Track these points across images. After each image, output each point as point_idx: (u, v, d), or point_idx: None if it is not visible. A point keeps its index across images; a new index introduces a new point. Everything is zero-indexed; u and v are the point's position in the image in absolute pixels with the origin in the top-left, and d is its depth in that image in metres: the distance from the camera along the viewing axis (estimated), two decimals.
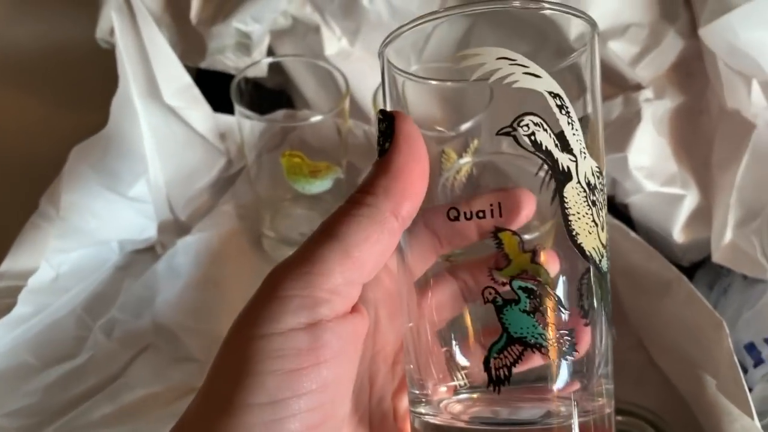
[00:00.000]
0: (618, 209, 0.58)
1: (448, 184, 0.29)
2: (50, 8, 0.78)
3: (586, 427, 0.24)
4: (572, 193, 0.24)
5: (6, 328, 0.50)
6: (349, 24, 0.63)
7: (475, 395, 0.26)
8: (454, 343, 0.26)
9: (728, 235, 0.52)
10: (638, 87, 0.58)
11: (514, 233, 0.24)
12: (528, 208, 0.25)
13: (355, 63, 0.64)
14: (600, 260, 0.25)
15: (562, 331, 0.24)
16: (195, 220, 0.61)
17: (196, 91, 0.59)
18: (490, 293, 0.24)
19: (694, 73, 0.58)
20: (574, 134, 0.24)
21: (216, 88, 0.61)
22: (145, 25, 0.55)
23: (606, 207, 0.26)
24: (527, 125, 0.24)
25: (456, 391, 0.26)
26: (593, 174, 0.25)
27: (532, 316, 0.24)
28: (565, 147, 0.24)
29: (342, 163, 0.58)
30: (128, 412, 0.50)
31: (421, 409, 0.26)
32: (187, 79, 0.59)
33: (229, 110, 0.56)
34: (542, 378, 0.25)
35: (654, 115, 0.56)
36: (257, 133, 0.56)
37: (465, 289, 0.27)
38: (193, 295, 0.56)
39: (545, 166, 0.24)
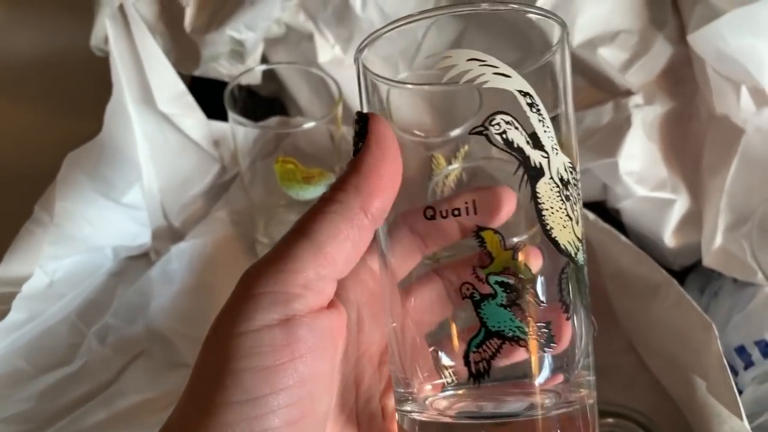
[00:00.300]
0: (609, 214, 0.58)
1: (438, 189, 0.30)
2: (45, 16, 0.79)
3: (569, 418, 0.25)
4: (545, 188, 0.25)
5: (0, 335, 0.50)
6: (342, 31, 0.64)
7: (460, 391, 0.26)
8: (440, 341, 0.27)
9: (718, 240, 0.52)
10: (628, 93, 0.59)
11: (496, 231, 0.25)
12: (508, 205, 0.25)
13: (348, 70, 0.64)
14: (576, 253, 0.26)
15: (539, 324, 0.25)
16: (189, 226, 0.61)
17: (190, 99, 0.60)
18: (468, 289, 0.25)
19: (683, 79, 0.58)
20: (545, 131, 0.25)
21: (210, 96, 0.61)
22: (139, 33, 0.55)
23: (581, 201, 0.27)
24: (498, 124, 0.24)
25: (443, 388, 0.26)
26: (566, 170, 0.26)
27: (508, 309, 0.24)
28: (537, 144, 0.25)
29: (335, 169, 0.58)
30: (122, 419, 0.50)
31: (408, 407, 0.27)
32: (181, 86, 0.59)
33: (223, 117, 0.56)
34: (526, 373, 0.25)
35: (644, 121, 0.57)
36: (251, 139, 0.56)
37: (450, 288, 0.27)
38: (187, 301, 0.56)
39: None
